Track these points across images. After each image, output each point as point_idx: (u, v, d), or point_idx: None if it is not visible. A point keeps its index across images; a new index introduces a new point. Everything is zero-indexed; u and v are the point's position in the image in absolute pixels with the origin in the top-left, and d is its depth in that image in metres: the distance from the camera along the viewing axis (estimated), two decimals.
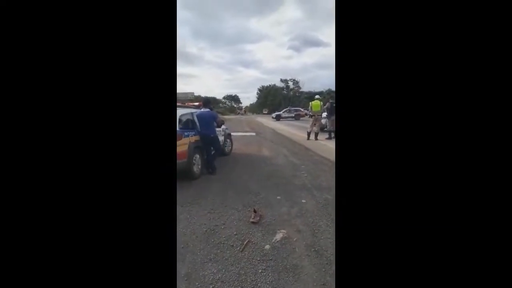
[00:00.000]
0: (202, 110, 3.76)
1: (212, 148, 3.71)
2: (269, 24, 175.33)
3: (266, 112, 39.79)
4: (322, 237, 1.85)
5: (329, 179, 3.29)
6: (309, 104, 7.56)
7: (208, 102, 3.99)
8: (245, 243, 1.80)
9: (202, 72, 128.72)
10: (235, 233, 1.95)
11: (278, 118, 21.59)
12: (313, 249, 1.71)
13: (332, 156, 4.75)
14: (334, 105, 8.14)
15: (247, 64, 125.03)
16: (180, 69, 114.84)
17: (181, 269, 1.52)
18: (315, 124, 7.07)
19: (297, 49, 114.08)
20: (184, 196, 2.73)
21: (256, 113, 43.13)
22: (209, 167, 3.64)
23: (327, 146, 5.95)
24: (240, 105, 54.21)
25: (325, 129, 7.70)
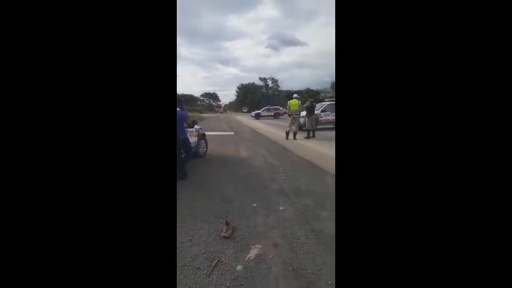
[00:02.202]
0: None
1: (182, 151, 3.39)
2: (247, 21, 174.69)
3: (245, 110, 39.53)
4: (301, 252, 1.67)
5: (308, 182, 3.15)
6: (287, 103, 7.44)
7: (178, 101, 3.63)
8: (213, 264, 1.56)
9: (179, 69, 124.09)
10: (203, 251, 1.70)
11: (257, 116, 21.38)
12: (291, 268, 1.51)
13: (309, 156, 4.72)
14: (315, 104, 8.16)
15: (225, 62, 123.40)
16: None
17: None
18: (293, 123, 6.99)
19: (275, 47, 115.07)
20: None
21: (236, 111, 42.70)
22: (179, 172, 3.31)
23: (306, 146, 5.91)
24: (219, 102, 52.81)
25: (304, 128, 7.66)
